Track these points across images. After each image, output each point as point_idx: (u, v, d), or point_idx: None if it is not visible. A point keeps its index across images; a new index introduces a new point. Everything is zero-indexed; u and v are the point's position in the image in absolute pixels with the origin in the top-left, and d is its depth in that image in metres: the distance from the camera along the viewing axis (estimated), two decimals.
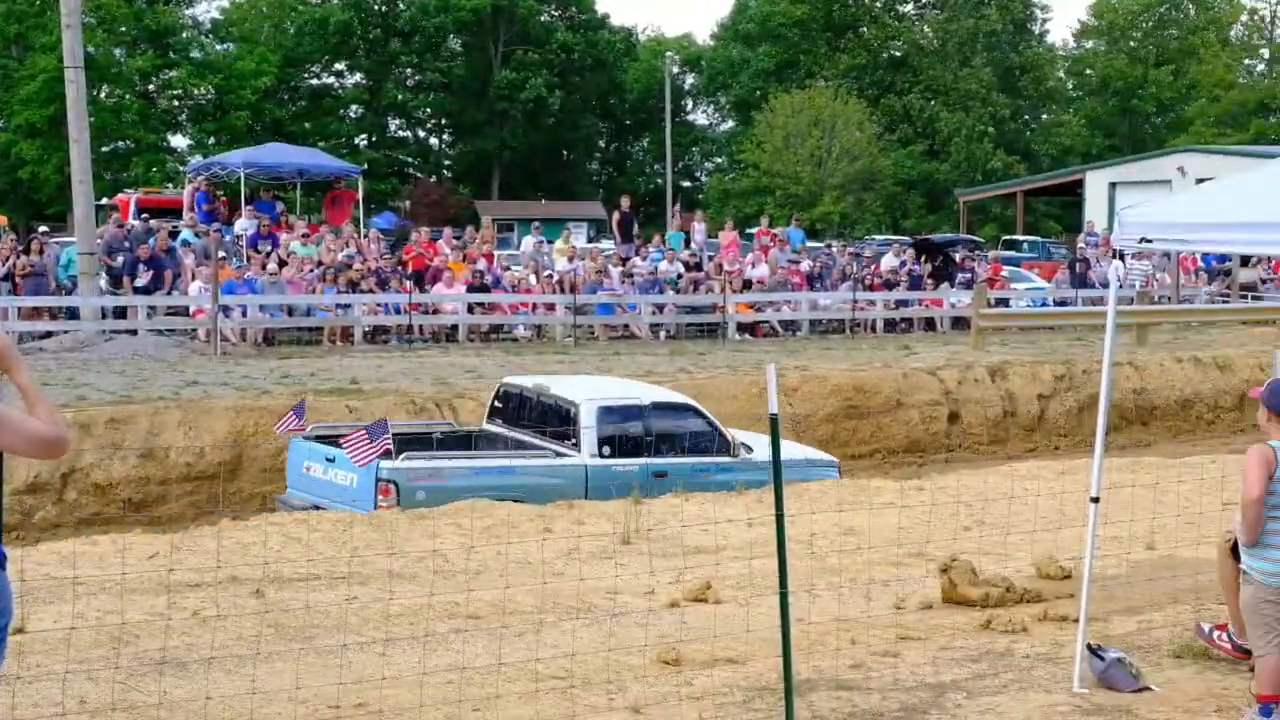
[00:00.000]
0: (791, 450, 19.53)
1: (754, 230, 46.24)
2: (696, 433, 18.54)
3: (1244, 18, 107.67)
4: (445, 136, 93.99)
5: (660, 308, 35.33)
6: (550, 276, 35.59)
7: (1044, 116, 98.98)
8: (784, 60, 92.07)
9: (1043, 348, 32.65)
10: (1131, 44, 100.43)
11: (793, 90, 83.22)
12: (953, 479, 18.20)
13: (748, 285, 37.19)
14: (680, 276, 36.82)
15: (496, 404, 19.62)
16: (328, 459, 17.45)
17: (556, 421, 18.38)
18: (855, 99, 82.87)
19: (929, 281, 40.39)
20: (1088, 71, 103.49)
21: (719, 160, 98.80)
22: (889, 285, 39.34)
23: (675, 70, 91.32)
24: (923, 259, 41.61)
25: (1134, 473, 17.66)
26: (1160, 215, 9.71)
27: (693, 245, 41.73)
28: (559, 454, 18.01)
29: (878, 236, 67.52)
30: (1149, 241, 9.57)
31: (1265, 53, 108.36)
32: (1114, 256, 9.97)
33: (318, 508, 16.93)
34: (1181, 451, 24.41)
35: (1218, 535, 10.80)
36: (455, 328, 32.92)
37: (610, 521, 14.93)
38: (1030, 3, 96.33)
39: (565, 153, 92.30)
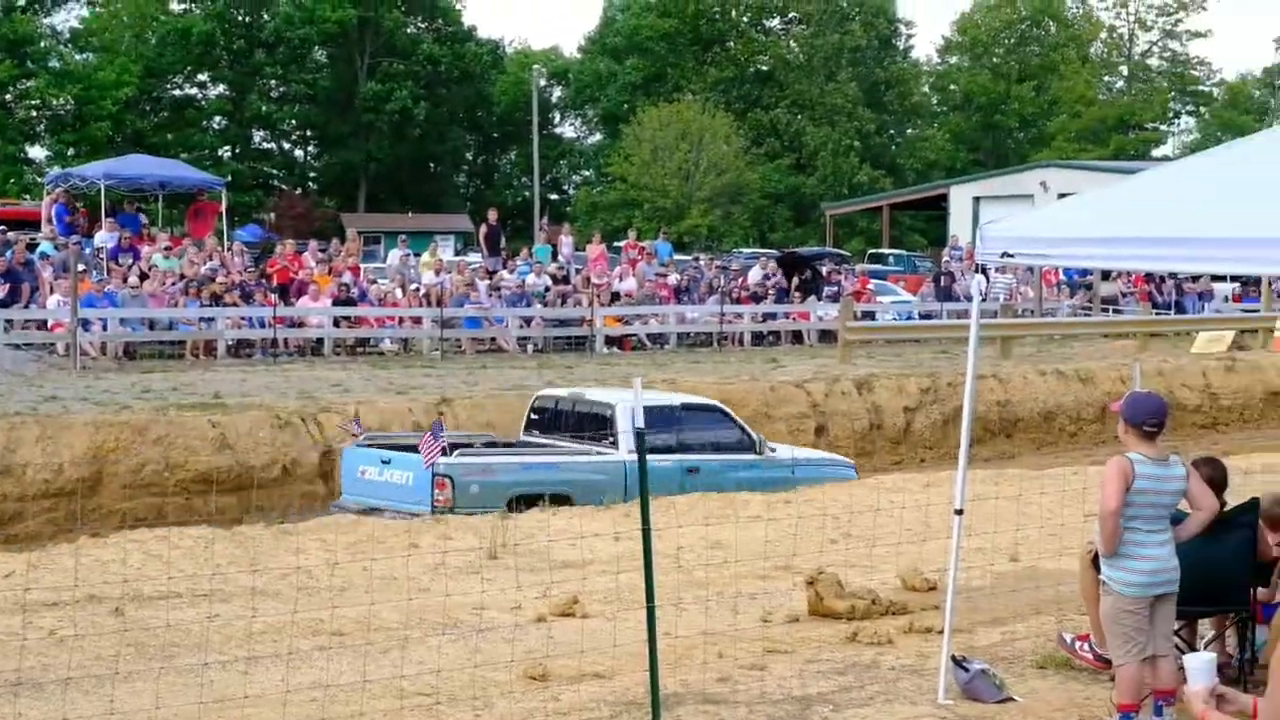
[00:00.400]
0: (809, 453, 21.90)
1: (622, 243, 46.30)
2: (724, 432, 20.20)
3: (1103, 35, 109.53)
4: (310, 148, 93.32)
5: (528, 321, 35.28)
6: (417, 290, 35.44)
7: (909, 131, 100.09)
8: (651, 73, 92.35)
9: (909, 360, 32.94)
10: (994, 60, 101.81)
11: (660, 103, 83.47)
12: (819, 491, 18.29)
13: (615, 298, 37.25)
14: (548, 289, 36.81)
15: (533, 415, 20.80)
16: (383, 461, 18.57)
17: (595, 424, 19.68)
18: (723, 113, 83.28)
19: (796, 295, 40.63)
20: (952, 87, 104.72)
21: (587, 173, 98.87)
22: (756, 298, 39.55)
23: (543, 83, 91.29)
24: (786, 273, 41.87)
25: (997, 485, 17.85)
26: (1022, 230, 9.83)
27: (560, 258, 41.72)
28: (599, 452, 19.28)
29: (745, 249, 67.87)
30: (1011, 256, 9.69)
31: (1124, 70, 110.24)
32: (977, 271, 10.04)
33: (374, 509, 17.92)
34: (1044, 463, 24.71)
35: (1079, 546, 10.93)
36: (321, 341, 32.68)
37: (477, 536, 14.86)
38: (894, 19, 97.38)
39: (432, 165, 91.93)
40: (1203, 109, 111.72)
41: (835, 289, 41.22)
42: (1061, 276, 45.69)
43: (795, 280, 41.61)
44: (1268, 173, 9.14)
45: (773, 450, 20.48)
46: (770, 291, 39.98)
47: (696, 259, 46.65)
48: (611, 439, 19.24)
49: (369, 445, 19.32)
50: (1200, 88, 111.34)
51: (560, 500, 17.90)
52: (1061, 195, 51.33)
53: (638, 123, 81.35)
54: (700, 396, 21.63)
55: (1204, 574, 9.46)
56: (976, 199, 68.66)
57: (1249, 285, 47.82)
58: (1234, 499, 10.20)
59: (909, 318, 41.63)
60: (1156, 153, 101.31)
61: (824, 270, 44.48)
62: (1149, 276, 44.77)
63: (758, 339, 37.72)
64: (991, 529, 14.46)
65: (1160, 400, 9.18)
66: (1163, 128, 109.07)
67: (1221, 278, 45.88)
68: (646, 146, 79.45)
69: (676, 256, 47.15)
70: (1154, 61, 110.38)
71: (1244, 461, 20.02)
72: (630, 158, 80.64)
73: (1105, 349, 36.87)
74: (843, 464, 21.48)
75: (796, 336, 38.37)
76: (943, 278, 44.54)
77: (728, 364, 31.63)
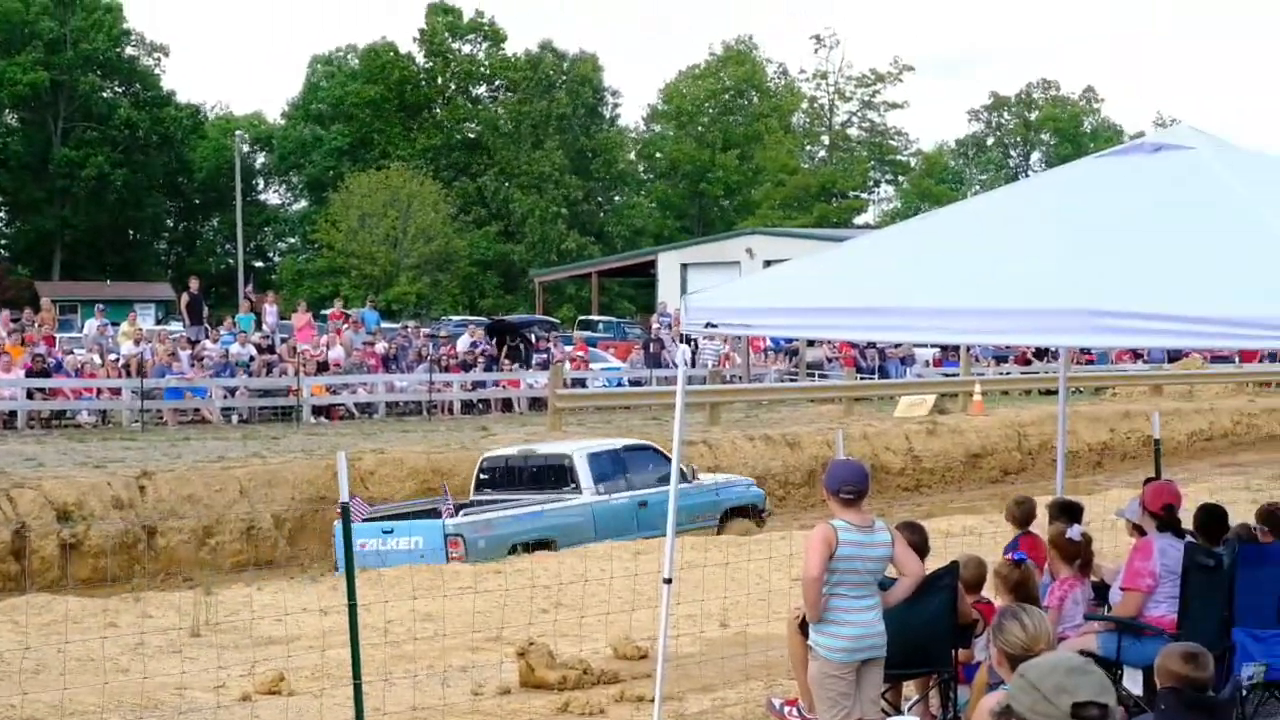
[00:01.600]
0: (723, 477, 24.70)
1: (328, 311, 45.93)
2: (661, 467, 22.03)
3: (805, 106, 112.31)
4: (1, 214, 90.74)
5: (232, 391, 34.71)
6: (116, 360, 34.63)
7: (616, 198, 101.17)
8: (358, 139, 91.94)
9: (619, 427, 33.15)
10: (700, 129, 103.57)
11: (367, 170, 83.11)
12: (528, 561, 18.33)
13: (323, 367, 36.87)
14: (253, 359, 36.26)
15: (482, 475, 22.32)
16: (385, 531, 19.77)
17: (552, 474, 21.82)
18: (430, 180, 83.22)
19: (506, 362, 40.69)
20: (658, 155, 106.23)
21: (292, 240, 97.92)
22: (466, 366, 39.51)
23: (246, 149, 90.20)
24: (495, 340, 41.95)
25: (707, 551, 18.06)
26: (725, 301, 10.00)
27: (265, 327, 41.19)
28: (568, 498, 21.42)
29: (454, 317, 67.85)
30: (714, 326, 9.85)
31: (826, 139, 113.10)
32: (682, 340, 10.21)
33: None
34: (754, 529, 25.05)
35: (788, 611, 11.11)
36: (14, 414, 31.70)
37: (178, 614, 14.55)
38: (600, 87, 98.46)
39: (131, 232, 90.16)
40: (901, 178, 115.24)
41: (545, 356, 41.38)
42: (769, 343, 46.51)
43: (505, 348, 41.70)
44: (961, 244, 9.47)
45: (698, 478, 22.87)
46: (480, 359, 39.99)
47: (405, 327, 46.46)
48: (574, 485, 21.46)
49: (372, 520, 20.31)
50: (898, 157, 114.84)
51: (543, 545, 19.98)
52: (767, 262, 52.44)
53: (345, 189, 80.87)
54: (635, 440, 24.53)
55: (907, 636, 9.66)
56: (684, 265, 69.70)
57: (949, 350, 49.22)
58: (936, 561, 10.48)
59: (619, 384, 41.94)
60: (858, 220, 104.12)
61: (533, 337, 44.64)
62: (853, 342, 45.79)
63: (468, 407, 37.64)
64: (701, 596, 14.63)
65: (858, 467, 9.37)
66: (863, 196, 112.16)
67: (923, 343, 47.14)
68: (354, 213, 78.98)
69: (384, 324, 46.91)
70: (854, 131, 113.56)
71: (945, 523, 20.57)
72: (337, 225, 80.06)
73: (812, 414, 37.61)
74: (747, 483, 24.67)
75: (506, 404, 38.40)
76: (652, 344, 45.03)
77: (437, 432, 31.52)
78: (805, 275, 10.40)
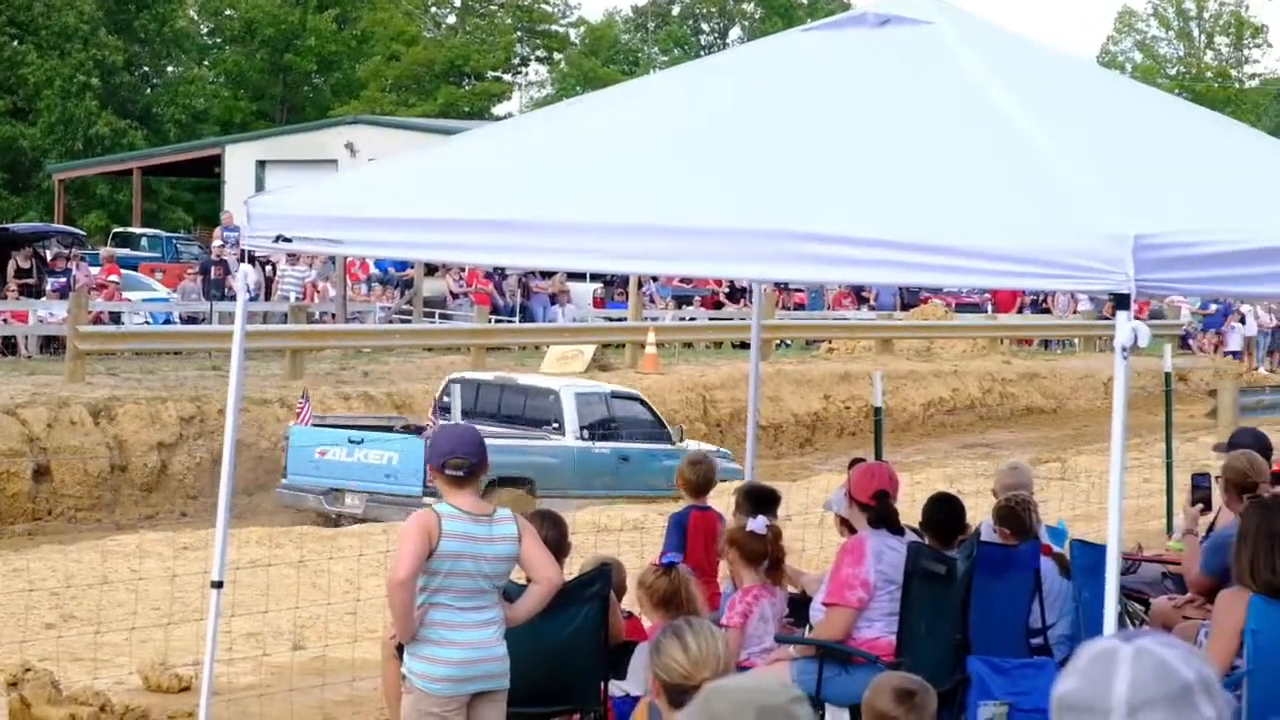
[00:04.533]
0: (706, 445, 27.27)
1: None
2: (645, 420, 26.59)
3: None
4: None
5: None
6: None
7: (170, 69, 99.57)
8: None
9: (166, 379, 32.81)
10: None
11: None
12: (32, 558, 18.02)
13: None
14: None
15: (445, 399, 25.79)
16: (352, 441, 23.38)
17: (533, 408, 25.84)
18: None
19: (10, 288, 39.93)
20: (228, 12, 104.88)
21: None
22: None
23: None
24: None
25: (278, 546, 17.98)
26: (306, 206, 9.85)
27: None
28: (551, 437, 25.24)
29: None
30: (288, 240, 9.70)
31: (457, 2, 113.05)
32: (245, 259, 10.06)
33: (337, 490, 23.13)
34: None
35: (383, 630, 11.09)
36: None
37: None
38: None
39: None
40: (557, 55, 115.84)
41: (65, 280, 40.68)
42: (374, 269, 46.41)
43: (9, 267, 40.92)
44: (624, 140, 9.50)
45: (684, 440, 26.48)
46: None
47: None
48: (556, 425, 25.26)
49: (325, 426, 24.33)
50: (554, 28, 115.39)
51: (520, 483, 23.25)
52: (375, 160, 52.23)
53: None
54: (620, 386, 28.66)
55: (541, 662, 9.70)
56: (261, 163, 69.30)
57: (614, 287, 49.73)
58: (581, 565, 10.55)
59: (167, 321, 41.48)
60: (499, 109, 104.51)
61: (48, 254, 43.85)
62: (488, 272, 45.92)
63: None
64: (266, 607, 14.54)
65: (471, 435, 9.37)
66: (506, 78, 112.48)
67: (581, 276, 47.48)
68: None
69: None
70: None
71: (599, 514, 20.80)
72: None
73: (429, 366, 37.64)
74: (725, 454, 26.72)
75: (8, 344, 37.68)
76: (214, 268, 44.54)
77: None
78: (419, 174, 10.33)
